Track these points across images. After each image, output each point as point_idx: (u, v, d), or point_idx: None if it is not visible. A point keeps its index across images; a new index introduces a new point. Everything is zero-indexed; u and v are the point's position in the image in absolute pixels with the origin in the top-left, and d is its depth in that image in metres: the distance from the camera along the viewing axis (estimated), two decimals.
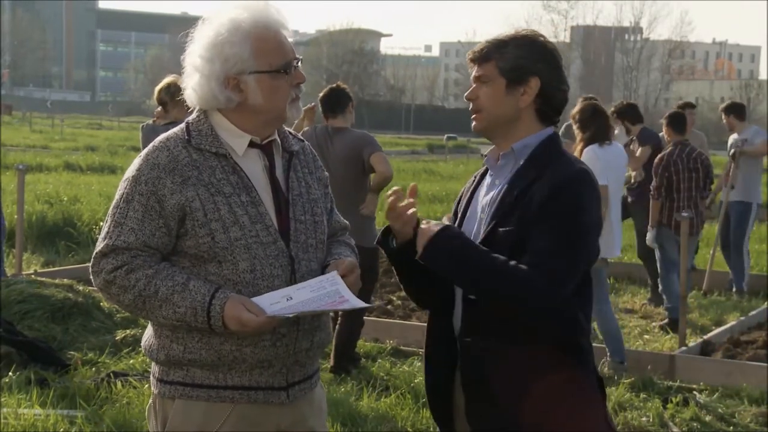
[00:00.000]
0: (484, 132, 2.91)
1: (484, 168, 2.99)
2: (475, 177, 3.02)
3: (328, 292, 2.73)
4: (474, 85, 2.88)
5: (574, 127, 7.19)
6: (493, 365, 2.75)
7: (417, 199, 2.86)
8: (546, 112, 2.87)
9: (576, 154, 6.92)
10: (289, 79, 2.77)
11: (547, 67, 2.83)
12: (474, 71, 2.88)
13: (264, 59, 2.73)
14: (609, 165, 6.95)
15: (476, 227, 2.86)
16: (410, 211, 2.82)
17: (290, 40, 2.81)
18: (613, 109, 10.13)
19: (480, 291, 2.74)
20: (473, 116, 2.89)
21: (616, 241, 7.10)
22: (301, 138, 2.98)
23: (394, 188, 2.84)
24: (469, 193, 2.98)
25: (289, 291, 2.70)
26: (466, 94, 2.92)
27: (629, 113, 9.88)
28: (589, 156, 6.86)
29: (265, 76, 2.73)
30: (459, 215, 2.96)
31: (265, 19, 2.75)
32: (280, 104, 2.77)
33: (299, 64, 2.81)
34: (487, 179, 2.94)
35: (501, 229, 2.75)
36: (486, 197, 2.88)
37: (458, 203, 3.03)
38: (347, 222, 3.10)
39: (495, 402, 2.75)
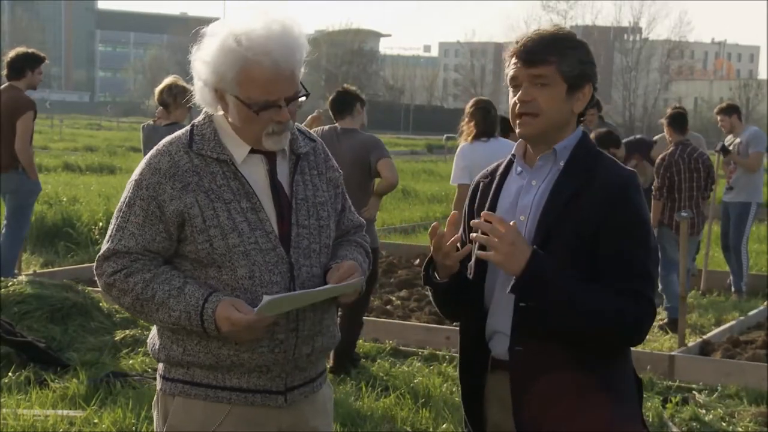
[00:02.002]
0: (535, 138, 2.76)
1: (505, 165, 2.87)
2: (494, 174, 2.88)
3: (318, 290, 2.71)
4: (525, 85, 2.72)
5: (465, 121, 7.16)
6: (544, 369, 2.70)
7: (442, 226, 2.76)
8: (581, 114, 2.81)
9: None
10: (268, 115, 2.68)
11: (595, 71, 2.79)
12: (525, 70, 2.71)
13: (244, 90, 2.66)
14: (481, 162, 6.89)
15: None
16: (456, 247, 2.73)
17: (297, 74, 2.69)
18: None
19: (585, 331, 2.67)
20: (524, 119, 2.72)
21: None
22: (314, 138, 2.92)
23: (432, 228, 2.72)
24: (491, 193, 2.84)
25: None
26: (520, 95, 2.71)
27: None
28: (459, 153, 7.08)
29: (242, 104, 2.68)
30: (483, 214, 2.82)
31: (268, 49, 2.63)
32: (254, 133, 2.72)
33: (287, 105, 2.69)
34: (516, 179, 2.82)
35: (555, 238, 2.66)
36: (524, 200, 2.77)
37: (474, 201, 2.91)
38: (362, 220, 3.04)
39: (545, 405, 2.70)
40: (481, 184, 2.91)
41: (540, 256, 2.61)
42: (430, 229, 2.74)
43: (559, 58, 2.70)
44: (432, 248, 2.76)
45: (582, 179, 2.70)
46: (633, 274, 2.67)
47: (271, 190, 2.76)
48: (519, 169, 2.83)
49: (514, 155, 2.84)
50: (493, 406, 2.85)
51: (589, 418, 2.70)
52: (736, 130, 10.43)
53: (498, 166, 2.90)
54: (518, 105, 2.73)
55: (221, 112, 2.77)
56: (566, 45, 2.72)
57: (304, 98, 2.76)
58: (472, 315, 2.84)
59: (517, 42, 2.76)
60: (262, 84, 2.65)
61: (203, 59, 2.70)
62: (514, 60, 2.74)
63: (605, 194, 2.68)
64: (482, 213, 2.68)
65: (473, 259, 2.85)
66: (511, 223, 2.63)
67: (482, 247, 2.73)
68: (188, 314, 2.65)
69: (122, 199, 2.76)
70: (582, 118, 2.84)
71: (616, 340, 2.73)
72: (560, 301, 2.63)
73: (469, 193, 2.96)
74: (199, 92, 2.75)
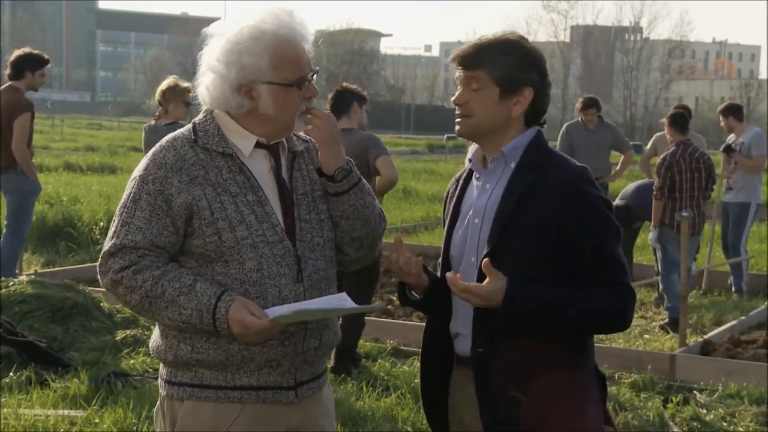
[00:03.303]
0: (469, 136, 2.90)
1: (468, 171, 2.96)
2: (458, 180, 2.98)
3: (335, 307, 2.75)
4: (461, 89, 2.85)
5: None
6: (508, 369, 2.74)
7: (404, 246, 2.86)
8: (533, 117, 2.86)
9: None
10: (301, 93, 2.77)
11: (538, 75, 2.83)
12: (461, 74, 2.85)
13: (280, 72, 2.73)
14: None
15: (471, 234, 2.84)
16: (415, 264, 2.84)
17: (310, 52, 2.80)
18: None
19: (575, 330, 2.80)
20: (459, 120, 2.87)
21: None
22: (306, 138, 2.96)
23: (385, 256, 2.87)
24: (454, 199, 2.95)
25: (297, 306, 2.70)
26: (454, 98, 2.88)
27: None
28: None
29: (278, 87, 2.74)
30: (447, 222, 2.94)
31: (288, 31, 2.75)
32: (289, 116, 2.77)
33: (314, 77, 2.81)
34: (475, 183, 2.91)
35: (510, 237, 2.73)
36: (478, 202, 2.85)
37: (444, 206, 3.01)
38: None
39: (511, 405, 2.74)
40: (450, 190, 3.01)
41: (513, 291, 2.67)
42: (384, 264, 2.90)
43: (491, 63, 2.80)
44: (396, 274, 2.88)
45: (531, 178, 2.77)
46: (608, 266, 2.76)
47: (276, 184, 2.79)
48: (476, 173, 2.92)
49: (470, 160, 2.93)
50: (458, 403, 2.89)
51: (553, 417, 2.73)
52: (735, 131, 10.45)
53: (464, 171, 2.99)
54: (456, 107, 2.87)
55: (226, 112, 2.77)
56: (498, 51, 2.81)
57: (316, 74, 2.85)
58: (436, 315, 2.92)
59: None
60: (294, 60, 2.75)
61: (221, 59, 2.73)
62: (455, 64, 2.88)
63: (560, 191, 2.74)
64: (447, 277, 2.74)
65: (440, 258, 2.96)
66: (486, 282, 2.68)
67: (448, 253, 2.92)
68: (200, 312, 2.65)
69: (125, 196, 2.76)
70: (543, 124, 2.89)
71: (604, 332, 2.99)
72: (545, 318, 2.72)
73: (444, 198, 3.06)
74: (212, 90, 2.76)
